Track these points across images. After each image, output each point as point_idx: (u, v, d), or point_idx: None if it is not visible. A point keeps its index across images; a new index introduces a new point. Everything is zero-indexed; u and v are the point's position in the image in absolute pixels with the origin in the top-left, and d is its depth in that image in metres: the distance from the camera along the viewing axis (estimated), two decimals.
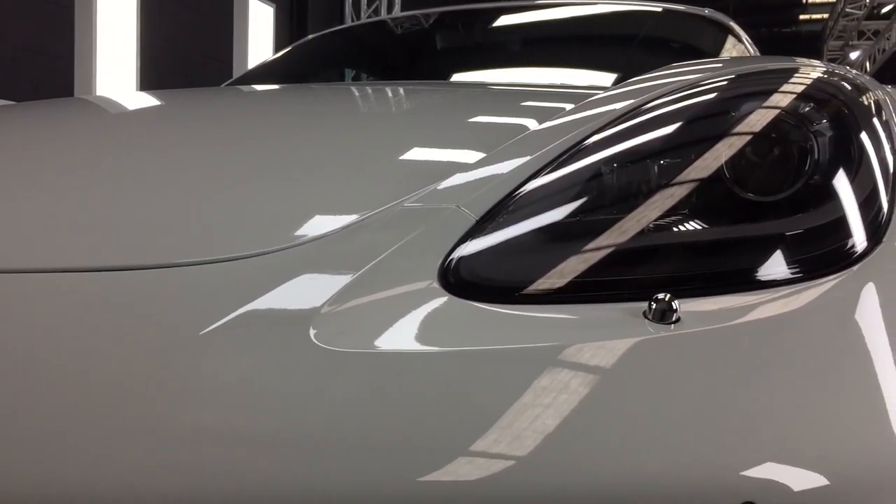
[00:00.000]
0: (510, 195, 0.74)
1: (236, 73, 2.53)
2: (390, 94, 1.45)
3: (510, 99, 1.31)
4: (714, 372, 0.61)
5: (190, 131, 1.11)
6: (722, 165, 0.74)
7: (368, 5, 12.08)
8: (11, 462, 0.58)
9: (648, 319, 0.64)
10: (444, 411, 0.59)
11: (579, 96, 0.96)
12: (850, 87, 0.88)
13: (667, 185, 0.74)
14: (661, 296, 0.64)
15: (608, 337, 0.62)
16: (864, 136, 0.81)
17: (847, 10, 18.62)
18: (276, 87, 1.88)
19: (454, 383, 0.60)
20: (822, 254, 0.70)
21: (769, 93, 0.82)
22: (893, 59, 18.35)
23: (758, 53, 2.10)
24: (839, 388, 0.63)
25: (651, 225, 0.71)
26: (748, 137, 0.77)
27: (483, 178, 0.77)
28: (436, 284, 0.66)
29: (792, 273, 0.69)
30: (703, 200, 0.74)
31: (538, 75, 2.05)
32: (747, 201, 0.73)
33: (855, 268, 0.70)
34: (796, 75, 0.87)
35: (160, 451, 0.58)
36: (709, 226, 0.73)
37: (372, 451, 0.57)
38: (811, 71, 0.89)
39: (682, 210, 0.72)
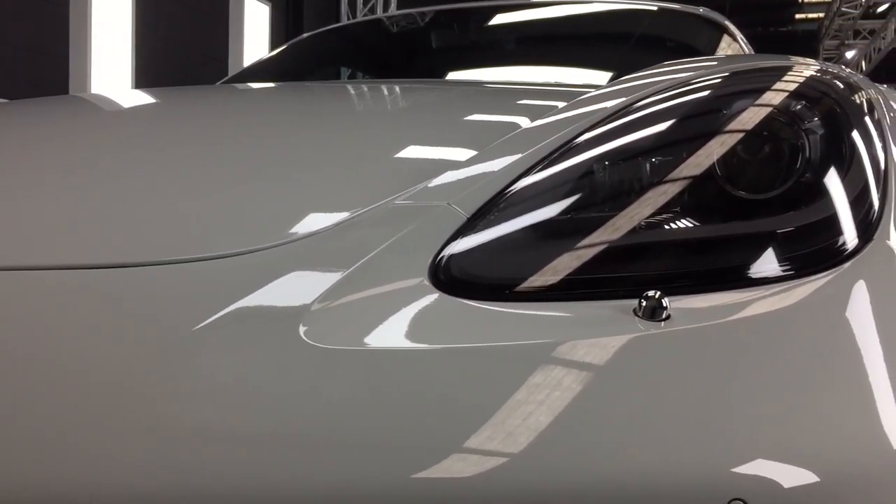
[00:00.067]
0: (501, 193, 0.74)
1: (232, 73, 2.53)
2: (384, 92, 1.45)
3: (503, 97, 1.31)
4: (704, 369, 0.62)
5: (183, 129, 1.11)
6: (713, 163, 0.75)
7: (364, 4, 12.07)
8: (8, 461, 0.58)
9: (639, 317, 0.64)
10: (434, 409, 0.59)
11: (572, 95, 0.96)
12: (842, 86, 0.88)
13: (658, 183, 0.74)
14: (651, 293, 0.64)
15: (599, 334, 0.62)
16: (855, 134, 0.81)
17: (843, 9, 18.66)
18: (270, 85, 1.88)
19: (444, 381, 0.60)
20: (813, 251, 0.71)
21: (761, 91, 0.82)
22: (889, 59, 18.39)
23: (752, 52, 2.10)
24: (829, 386, 0.63)
25: (642, 222, 0.71)
26: (740, 135, 0.77)
27: (474, 176, 0.77)
28: (426, 282, 0.66)
29: (783, 270, 0.69)
30: (694, 198, 0.74)
31: (533, 74, 2.06)
32: (738, 199, 0.73)
33: (846, 265, 0.70)
34: (788, 74, 0.87)
35: (151, 448, 0.58)
36: (700, 223, 0.73)
37: (364, 449, 0.57)
38: (803, 69, 0.89)
39: (673, 208, 0.72)
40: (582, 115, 0.84)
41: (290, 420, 0.58)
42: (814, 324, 0.66)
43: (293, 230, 0.72)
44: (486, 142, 0.83)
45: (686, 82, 0.86)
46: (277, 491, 0.57)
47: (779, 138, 0.78)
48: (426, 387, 0.60)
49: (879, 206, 0.76)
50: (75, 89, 8.09)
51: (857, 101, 0.87)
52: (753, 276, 0.69)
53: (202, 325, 0.62)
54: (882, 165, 0.80)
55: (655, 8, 2.31)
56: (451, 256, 0.69)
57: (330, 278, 0.66)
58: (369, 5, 12.08)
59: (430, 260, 0.68)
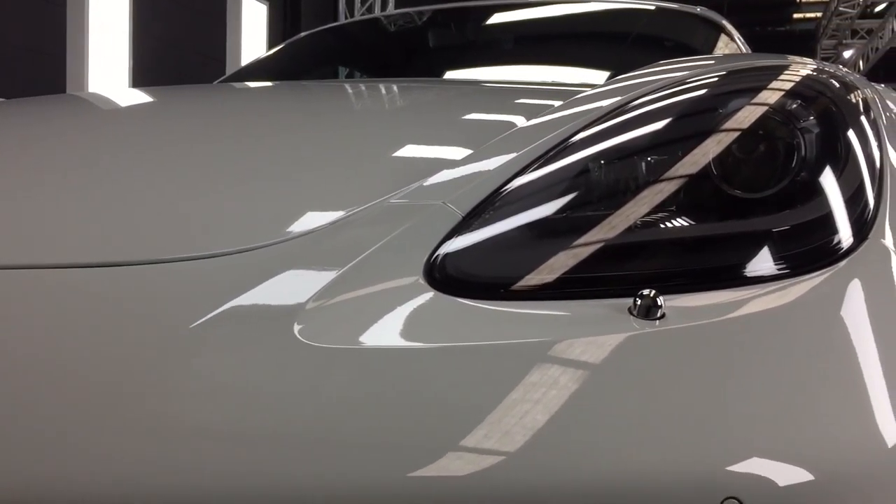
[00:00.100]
0: (496, 192, 0.74)
1: (229, 72, 2.53)
2: (381, 91, 1.45)
3: (500, 96, 1.31)
4: (699, 368, 0.62)
5: (179, 128, 1.11)
6: (709, 162, 0.75)
7: (362, 3, 12.06)
8: (7, 461, 0.58)
9: (634, 315, 0.64)
10: (428, 407, 0.59)
11: (569, 94, 0.96)
12: (838, 85, 0.88)
13: (653, 182, 0.74)
14: (646, 292, 0.64)
15: (593, 333, 0.62)
16: (851, 133, 0.81)
17: (840, 8, 18.68)
18: (267, 84, 1.88)
19: (438, 379, 0.60)
20: (809, 250, 0.71)
21: (757, 90, 0.82)
22: (886, 58, 18.41)
23: (749, 52, 2.11)
24: (824, 384, 0.63)
25: (637, 221, 0.71)
26: (735, 134, 0.77)
27: (470, 175, 0.77)
28: (421, 281, 0.66)
29: (778, 269, 0.69)
30: (689, 197, 0.74)
31: (531, 73, 2.06)
32: (734, 198, 0.73)
33: (841, 264, 0.70)
34: (784, 73, 0.87)
35: (147, 448, 0.58)
36: (695, 222, 0.73)
37: (359, 448, 0.57)
38: (799, 68, 0.89)
39: (668, 206, 0.72)
40: (577, 115, 0.84)
41: (284, 419, 0.58)
42: (809, 323, 0.66)
43: (288, 229, 0.72)
44: (482, 141, 0.83)
45: (681, 81, 0.86)
46: (273, 490, 0.57)
47: (774, 137, 0.78)
48: (421, 386, 0.60)
49: (875, 205, 0.76)
50: (72, 88, 8.08)
51: (853, 100, 0.88)
52: (748, 274, 0.69)
53: (197, 324, 0.62)
54: (877, 164, 0.80)
55: (653, 7, 2.31)
56: (447, 255, 0.69)
57: (325, 277, 0.66)
58: (367, 4, 12.07)
59: (425, 259, 0.68)
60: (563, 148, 0.78)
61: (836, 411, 0.62)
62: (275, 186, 0.83)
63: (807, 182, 0.75)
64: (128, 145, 1.01)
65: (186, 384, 0.60)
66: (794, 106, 0.81)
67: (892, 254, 0.73)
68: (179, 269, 0.68)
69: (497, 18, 2.36)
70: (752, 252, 0.70)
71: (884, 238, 0.73)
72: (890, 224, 0.75)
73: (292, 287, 0.66)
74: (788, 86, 0.84)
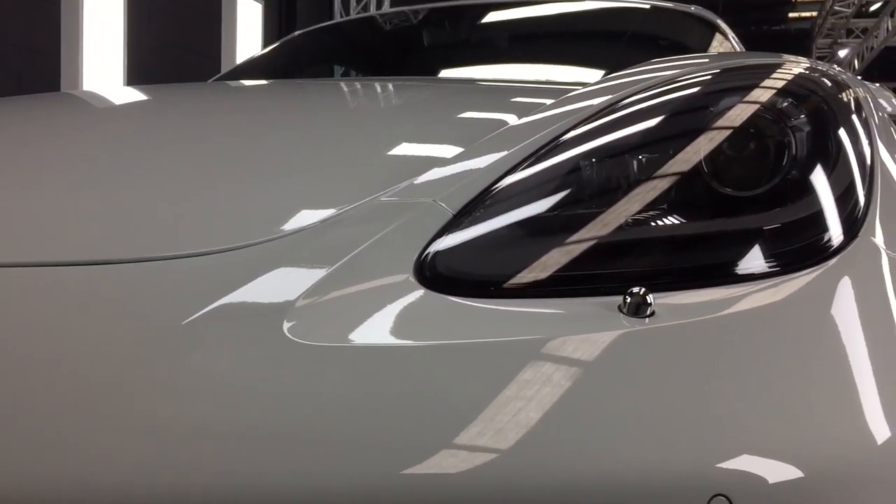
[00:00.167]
0: (487, 190, 0.74)
1: (224, 71, 2.53)
2: (373, 89, 1.45)
3: (493, 95, 1.31)
4: (689, 365, 0.62)
5: (172, 126, 1.11)
6: (700, 160, 0.75)
7: (357, 2, 12.04)
8: (3, 460, 0.58)
9: (623, 313, 0.64)
10: (417, 405, 0.59)
11: (562, 92, 0.96)
12: (829, 84, 0.88)
13: (644, 180, 0.74)
14: (635, 290, 0.64)
15: (583, 331, 0.62)
16: (842, 132, 0.81)
17: (835, 7, 18.70)
18: (261, 82, 1.88)
19: (427, 377, 0.60)
20: (799, 248, 0.71)
21: (748, 88, 0.82)
22: (881, 57, 18.45)
23: (743, 50, 2.11)
24: (814, 382, 0.63)
25: (628, 219, 0.71)
26: (726, 132, 0.77)
27: (460, 173, 0.77)
28: (412, 279, 0.66)
29: (769, 267, 0.69)
30: (680, 195, 0.74)
31: (525, 72, 2.06)
32: (725, 196, 0.74)
33: (831, 262, 0.70)
34: (776, 71, 0.87)
35: (137, 446, 0.58)
36: (686, 220, 0.73)
37: (349, 446, 0.57)
38: (791, 67, 0.89)
39: (659, 205, 0.72)
40: (569, 113, 0.84)
41: (274, 417, 0.58)
42: (799, 320, 0.66)
43: (278, 227, 0.72)
44: (473, 139, 0.83)
45: (673, 79, 0.86)
46: (264, 488, 0.57)
47: (765, 135, 0.78)
48: (410, 383, 0.60)
49: (865, 203, 0.76)
50: (67, 86, 8.05)
51: (845, 98, 0.88)
52: (739, 272, 0.69)
53: (186, 322, 0.62)
54: (868, 163, 0.81)
55: (647, 6, 2.31)
56: (437, 253, 0.69)
57: (315, 275, 0.66)
58: (362, 3, 12.06)
59: (415, 257, 0.68)
60: (553, 146, 0.78)
61: (825, 408, 0.62)
62: (265, 184, 0.83)
63: (797, 180, 0.75)
64: (119, 144, 1.01)
65: (175, 382, 0.60)
66: (785, 104, 0.81)
67: (882, 252, 0.73)
68: (170, 268, 0.68)
69: (492, 17, 2.36)
70: (743, 250, 0.70)
71: (874, 236, 0.74)
72: (880, 222, 0.75)
73: (282, 285, 0.66)
74: (780, 84, 0.84)
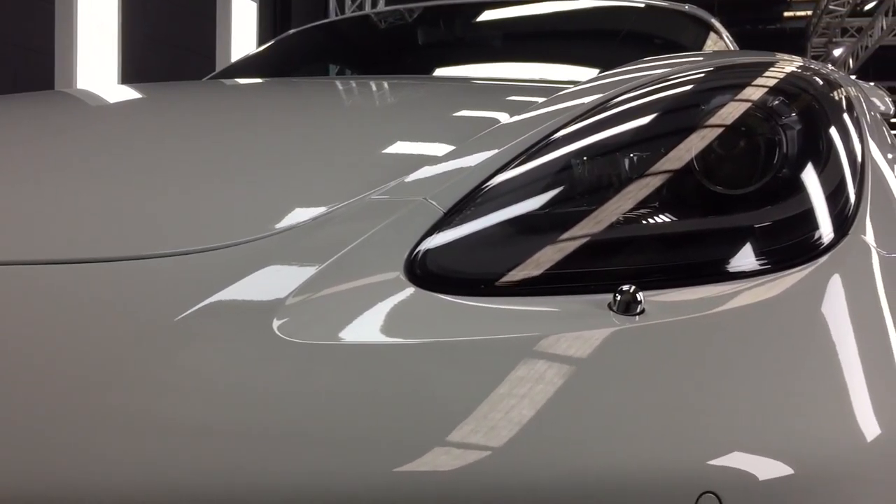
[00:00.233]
0: (478, 188, 0.74)
1: (219, 69, 2.52)
2: (366, 88, 1.45)
3: (486, 93, 1.31)
4: (679, 363, 0.62)
5: (164, 125, 1.10)
6: (691, 158, 0.75)
7: (352, 1, 12.02)
8: None
9: (613, 311, 0.64)
10: (406, 403, 0.59)
11: (554, 91, 0.96)
12: (821, 83, 0.89)
13: (635, 178, 0.74)
14: (625, 287, 0.64)
15: (573, 329, 0.62)
16: (833, 130, 0.82)
17: (830, 7, 18.75)
18: (254, 80, 1.87)
19: (416, 375, 0.60)
20: (789, 246, 0.71)
21: (739, 86, 0.83)
22: (876, 56, 18.49)
23: (737, 49, 2.11)
24: (804, 379, 0.63)
25: (619, 217, 0.71)
26: (717, 131, 0.77)
27: (451, 171, 0.77)
28: (402, 277, 0.66)
29: (759, 265, 0.69)
30: (671, 193, 0.74)
31: (520, 70, 2.06)
32: (716, 194, 0.74)
33: (822, 259, 0.70)
34: (768, 70, 0.87)
35: (124, 443, 0.58)
36: (677, 218, 0.73)
37: (341, 444, 0.57)
38: (784, 66, 0.89)
39: (650, 203, 0.73)
40: (560, 111, 0.84)
41: (264, 415, 0.58)
42: (789, 318, 0.66)
43: (269, 225, 0.72)
44: (465, 137, 0.83)
45: (664, 78, 0.86)
46: (254, 486, 0.57)
47: (756, 133, 0.78)
48: (399, 381, 0.60)
49: (855, 201, 0.76)
50: (61, 85, 8.03)
51: (836, 97, 0.88)
52: (730, 270, 0.69)
53: (176, 320, 0.62)
54: (859, 161, 0.81)
55: (641, 5, 2.31)
56: (427, 251, 0.69)
57: (305, 273, 0.66)
58: (357, 2, 12.04)
59: (405, 255, 0.68)
60: (545, 144, 0.78)
61: (815, 406, 0.62)
62: (257, 182, 0.83)
63: (788, 178, 0.75)
64: (111, 142, 1.00)
65: (165, 381, 0.60)
66: (777, 103, 0.81)
67: (873, 249, 0.74)
68: (160, 266, 0.68)
69: (487, 16, 2.36)
70: (734, 248, 0.71)
71: (864, 234, 0.74)
72: (870, 220, 0.75)
73: (272, 283, 0.65)
74: (771, 82, 0.84)
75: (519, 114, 0.88)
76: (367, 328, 0.63)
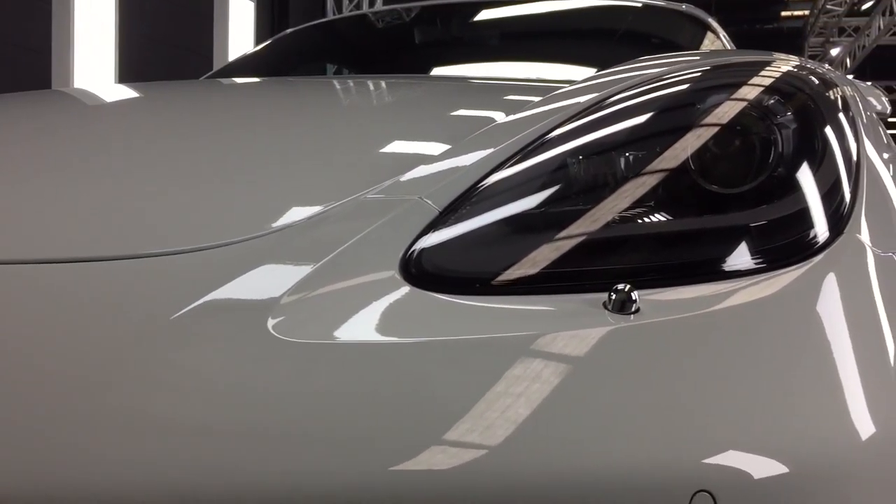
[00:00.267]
0: (473, 187, 0.74)
1: (216, 69, 2.52)
2: (364, 87, 1.44)
3: (482, 92, 1.31)
4: (674, 361, 0.62)
5: (160, 124, 1.10)
6: (687, 158, 0.75)
7: (350, 0, 12.02)
8: None
9: (608, 310, 0.64)
10: (399, 402, 0.59)
11: (551, 90, 0.96)
12: (817, 82, 0.89)
13: (631, 177, 0.74)
14: (620, 286, 0.64)
15: (568, 328, 0.63)
16: (828, 129, 0.82)
17: (828, 6, 18.76)
18: (252, 80, 1.87)
19: (410, 374, 0.60)
20: (785, 245, 0.71)
21: (735, 86, 0.83)
22: (873, 56, 18.51)
23: (734, 48, 2.11)
24: (799, 378, 0.63)
25: (614, 217, 0.71)
26: (713, 130, 0.77)
27: (447, 170, 0.77)
28: (397, 276, 0.66)
29: (754, 264, 0.69)
30: (667, 192, 0.74)
31: (518, 70, 2.06)
32: (711, 193, 0.74)
33: (817, 258, 0.70)
34: (763, 69, 0.87)
35: (120, 442, 0.57)
36: (673, 217, 0.73)
37: (336, 443, 0.57)
38: (780, 65, 0.89)
39: (646, 202, 0.73)
40: (555, 110, 0.84)
41: (259, 414, 0.58)
42: (784, 317, 0.66)
43: (264, 224, 0.72)
44: (460, 137, 0.83)
45: (660, 77, 0.86)
46: (249, 485, 0.56)
47: (752, 133, 0.78)
48: (393, 380, 0.60)
49: (850, 201, 0.76)
50: (58, 84, 8.02)
51: (832, 97, 0.88)
52: (725, 269, 0.69)
53: (171, 320, 0.62)
54: (854, 160, 0.81)
55: (639, 4, 2.31)
56: (423, 250, 0.69)
57: (300, 272, 0.66)
58: (354, 2, 12.04)
59: (401, 254, 0.68)
60: (540, 143, 0.78)
61: (810, 405, 0.62)
62: (252, 182, 0.83)
63: (783, 177, 0.75)
64: (107, 141, 1.00)
65: (160, 380, 0.60)
66: (772, 102, 0.81)
67: (868, 248, 0.74)
68: (155, 265, 0.67)
69: (484, 15, 2.36)
70: (729, 246, 0.71)
71: (859, 233, 0.74)
72: (865, 219, 0.76)
73: (267, 282, 0.65)
74: (767, 82, 0.84)
75: (514, 113, 0.88)
76: (361, 327, 0.63)
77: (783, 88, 0.84)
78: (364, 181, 0.76)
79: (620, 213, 0.72)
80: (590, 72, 0.99)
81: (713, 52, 1.64)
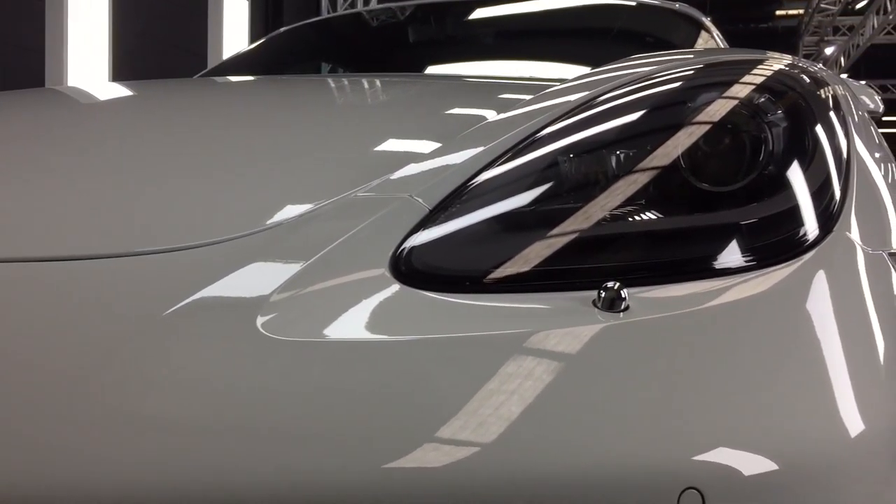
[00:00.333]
0: (464, 185, 0.74)
1: (210, 67, 2.52)
2: (357, 86, 1.44)
3: (474, 91, 1.31)
4: (663, 359, 0.62)
5: (153, 122, 1.10)
6: (678, 156, 0.75)
7: None
8: None
9: (598, 308, 0.64)
10: (388, 400, 0.59)
11: (543, 88, 0.96)
12: (808, 81, 0.89)
13: (621, 175, 0.74)
14: (610, 284, 0.64)
15: (558, 325, 0.63)
16: (819, 128, 0.82)
17: (822, 5, 18.78)
18: (246, 78, 1.87)
19: (399, 372, 0.60)
20: (774, 243, 0.71)
21: (726, 84, 0.83)
22: (867, 55, 18.54)
23: (727, 47, 2.12)
24: (788, 375, 0.63)
25: (605, 214, 0.71)
26: (703, 128, 0.77)
27: (437, 169, 0.77)
28: (387, 274, 0.66)
29: (744, 261, 0.70)
30: (657, 190, 0.74)
31: (511, 68, 2.06)
32: (702, 191, 0.74)
33: (806, 256, 0.71)
34: (755, 68, 0.87)
35: (106, 440, 0.57)
36: (663, 215, 0.73)
37: (324, 441, 0.57)
38: (771, 64, 0.89)
39: (636, 200, 0.73)
40: (546, 109, 0.84)
41: (248, 412, 0.58)
42: (773, 314, 0.66)
43: (255, 222, 0.72)
44: (452, 135, 0.83)
45: (650, 75, 0.86)
46: (239, 483, 0.56)
47: (742, 131, 0.79)
48: (381, 378, 0.60)
49: (840, 199, 0.77)
50: (51, 82, 7.99)
51: (823, 95, 0.88)
52: (715, 267, 0.69)
53: (160, 318, 0.62)
54: (844, 158, 0.81)
55: (633, 3, 2.32)
56: (413, 248, 0.69)
57: (289, 270, 0.66)
58: (349, 0, 12.02)
59: (391, 252, 0.68)
60: (530, 142, 0.78)
61: (800, 402, 0.62)
62: (243, 180, 0.83)
63: (774, 175, 0.76)
64: (99, 139, 1.00)
65: (149, 378, 0.60)
66: (763, 100, 0.81)
67: (857, 246, 0.74)
68: (145, 263, 0.67)
69: (478, 14, 2.36)
70: (719, 245, 0.71)
71: (849, 231, 0.74)
72: (855, 217, 0.76)
73: (257, 280, 0.65)
74: (758, 80, 0.84)
75: (506, 111, 0.88)
76: (351, 325, 0.63)
77: (774, 87, 0.84)
78: (354, 179, 0.76)
79: (611, 211, 0.72)
80: (583, 70, 0.99)
81: (705, 51, 1.65)
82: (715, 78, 0.85)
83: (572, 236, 0.70)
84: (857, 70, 19.34)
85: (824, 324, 0.67)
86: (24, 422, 0.58)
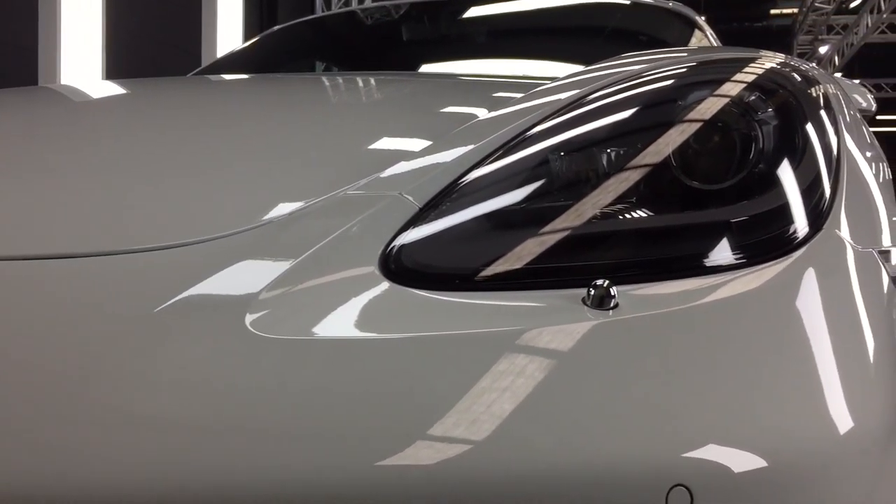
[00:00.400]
0: (454, 183, 0.74)
1: (204, 65, 2.51)
2: (350, 84, 1.44)
3: (466, 89, 1.31)
4: (652, 357, 0.62)
5: (145, 120, 1.10)
6: (669, 154, 0.75)
7: None
8: None
9: (587, 306, 0.64)
10: (379, 398, 0.59)
11: (534, 87, 0.96)
12: (799, 79, 0.89)
13: (612, 174, 0.75)
14: (599, 282, 0.64)
15: (547, 323, 0.63)
16: (809, 126, 0.82)
17: (816, 4, 18.82)
18: (239, 76, 1.87)
19: (388, 370, 0.60)
20: (764, 240, 0.71)
21: (717, 82, 0.83)
22: (861, 54, 18.59)
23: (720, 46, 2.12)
24: (778, 373, 0.64)
25: (595, 212, 0.72)
26: (694, 126, 0.77)
27: (427, 167, 0.77)
28: (377, 272, 0.66)
29: (734, 259, 0.70)
30: (648, 188, 0.74)
31: (504, 66, 2.06)
32: (692, 189, 0.74)
33: (796, 254, 0.71)
34: (746, 66, 0.88)
35: (95, 438, 0.57)
36: (653, 213, 0.73)
37: (314, 439, 0.57)
38: (763, 62, 0.89)
39: (627, 198, 0.73)
40: (538, 107, 0.84)
41: (237, 410, 0.58)
42: (763, 311, 0.67)
43: (244, 220, 0.71)
44: (442, 133, 0.83)
45: (641, 74, 0.86)
46: (232, 482, 0.56)
47: (733, 129, 0.79)
48: (370, 376, 0.60)
49: (830, 197, 0.77)
50: (44, 81, 7.97)
51: (814, 94, 0.88)
52: (705, 264, 0.69)
53: (148, 315, 0.62)
54: (834, 156, 0.81)
55: (626, 1, 2.32)
56: (402, 246, 0.69)
57: (279, 268, 0.66)
58: None
59: (380, 250, 0.68)
60: (521, 140, 0.78)
61: (789, 399, 0.62)
62: (234, 177, 0.83)
63: (764, 173, 0.76)
64: (91, 138, 1.00)
65: (138, 377, 0.60)
66: (753, 98, 0.82)
67: (847, 244, 0.74)
68: (136, 261, 0.67)
69: (472, 13, 2.36)
70: (709, 242, 0.71)
71: (839, 229, 0.75)
72: (845, 215, 0.76)
73: (246, 278, 0.65)
74: (749, 78, 0.84)
75: (496, 109, 0.88)
76: (340, 323, 0.63)
77: (765, 85, 0.84)
78: (345, 177, 0.76)
79: (601, 208, 0.72)
80: (577, 69, 0.99)
81: (697, 49, 1.65)
82: (706, 76, 0.85)
83: (562, 234, 0.70)
84: (851, 69, 19.39)
85: (814, 321, 0.67)
86: (20, 421, 0.58)
